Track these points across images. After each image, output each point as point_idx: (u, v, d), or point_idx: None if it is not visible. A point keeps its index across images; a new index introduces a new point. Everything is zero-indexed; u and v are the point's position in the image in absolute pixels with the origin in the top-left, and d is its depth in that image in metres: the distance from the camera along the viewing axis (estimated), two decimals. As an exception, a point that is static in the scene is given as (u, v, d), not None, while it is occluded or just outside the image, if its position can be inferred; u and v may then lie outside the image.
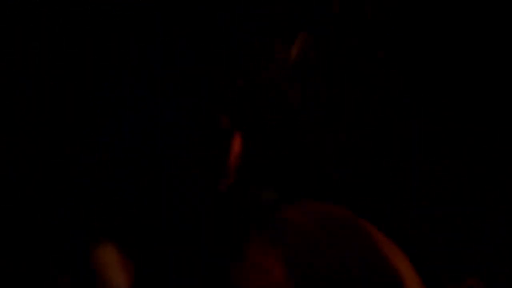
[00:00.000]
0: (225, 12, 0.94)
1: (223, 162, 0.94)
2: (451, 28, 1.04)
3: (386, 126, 1.05)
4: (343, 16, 1.02)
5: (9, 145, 0.94)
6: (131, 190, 0.92)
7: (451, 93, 1.05)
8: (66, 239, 0.92)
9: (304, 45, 0.97)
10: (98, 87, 0.95)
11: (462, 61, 1.04)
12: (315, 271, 0.81)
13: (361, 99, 1.06)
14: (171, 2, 0.93)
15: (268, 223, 0.87)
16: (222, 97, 0.96)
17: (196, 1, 0.93)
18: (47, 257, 0.92)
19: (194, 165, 0.95)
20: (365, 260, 0.82)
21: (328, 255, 0.81)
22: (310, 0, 0.98)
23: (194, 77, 0.94)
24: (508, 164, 1.01)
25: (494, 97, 1.03)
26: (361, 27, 1.04)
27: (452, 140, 1.04)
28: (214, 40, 0.94)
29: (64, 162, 0.94)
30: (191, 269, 0.87)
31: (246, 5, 0.94)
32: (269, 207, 0.95)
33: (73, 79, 0.96)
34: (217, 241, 0.88)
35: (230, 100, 0.96)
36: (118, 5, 0.95)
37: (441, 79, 1.05)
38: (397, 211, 0.99)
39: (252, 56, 0.95)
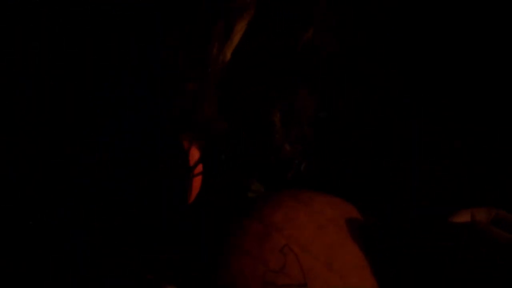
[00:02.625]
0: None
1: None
2: (451, 28, 1.04)
3: (386, 126, 1.05)
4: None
5: (9, 145, 0.94)
6: (131, 190, 0.91)
7: (451, 93, 1.05)
8: (66, 239, 0.92)
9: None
10: (98, 87, 0.95)
11: (462, 61, 1.04)
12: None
13: (361, 99, 1.06)
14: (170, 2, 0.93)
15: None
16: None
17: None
18: (47, 257, 0.92)
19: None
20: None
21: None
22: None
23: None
24: (508, 164, 1.01)
25: (494, 97, 1.03)
26: (361, 27, 1.03)
27: (452, 140, 1.04)
28: None
29: (64, 162, 0.94)
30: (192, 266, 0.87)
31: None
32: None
33: (73, 79, 0.95)
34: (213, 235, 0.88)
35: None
36: (118, 5, 0.95)
37: (441, 79, 1.05)
38: (397, 211, 0.99)
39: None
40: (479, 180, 1.01)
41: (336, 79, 1.03)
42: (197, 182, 0.96)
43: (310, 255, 0.80)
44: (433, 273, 0.80)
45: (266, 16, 0.94)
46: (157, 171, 0.92)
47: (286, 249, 0.80)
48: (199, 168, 0.96)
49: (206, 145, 0.96)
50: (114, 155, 0.93)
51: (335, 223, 0.84)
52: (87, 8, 0.96)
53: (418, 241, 0.83)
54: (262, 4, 0.93)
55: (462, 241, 0.79)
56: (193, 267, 0.85)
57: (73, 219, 0.92)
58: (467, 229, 0.79)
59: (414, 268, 0.82)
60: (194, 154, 0.95)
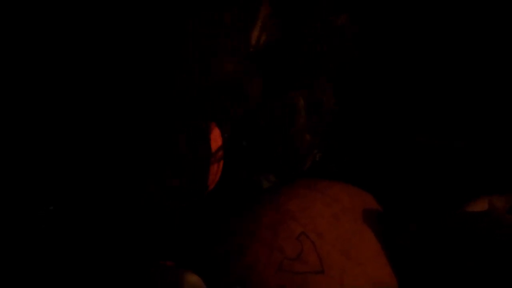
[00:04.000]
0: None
1: (203, 160, 0.95)
2: (451, 28, 1.05)
3: (399, 120, 1.05)
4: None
5: (9, 145, 0.94)
6: (151, 176, 0.91)
7: (450, 93, 1.06)
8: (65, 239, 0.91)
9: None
10: (96, 87, 0.95)
11: (462, 61, 1.05)
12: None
13: (360, 98, 1.07)
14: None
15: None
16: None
17: None
18: (44, 257, 0.91)
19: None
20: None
21: None
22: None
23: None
24: (508, 164, 1.02)
25: (494, 97, 1.04)
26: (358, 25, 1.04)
27: (452, 140, 1.05)
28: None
29: (62, 162, 0.93)
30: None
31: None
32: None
33: (73, 79, 0.95)
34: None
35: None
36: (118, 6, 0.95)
37: (441, 79, 1.06)
38: (413, 200, 0.99)
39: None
40: (478, 179, 1.02)
41: (356, 74, 1.04)
42: (217, 170, 0.96)
43: (327, 242, 0.80)
44: (450, 263, 0.80)
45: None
46: (179, 157, 0.92)
47: (302, 237, 0.80)
48: (221, 155, 0.96)
49: (230, 132, 0.96)
50: (110, 154, 0.93)
51: (351, 211, 0.84)
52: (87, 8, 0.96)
53: (435, 231, 0.83)
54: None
55: (478, 230, 0.79)
56: (209, 255, 0.85)
57: (91, 204, 0.91)
58: (484, 218, 0.79)
59: (430, 257, 0.82)
60: (217, 141, 0.95)
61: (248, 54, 0.94)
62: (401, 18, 1.06)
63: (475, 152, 1.03)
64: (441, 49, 1.06)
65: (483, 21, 1.03)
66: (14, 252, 0.90)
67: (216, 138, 0.95)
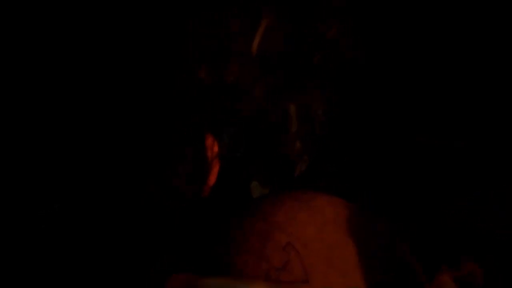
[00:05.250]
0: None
1: (201, 165, 0.95)
2: (451, 28, 1.05)
3: (390, 128, 1.06)
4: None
5: (9, 145, 0.95)
6: (148, 180, 0.92)
7: (450, 93, 1.05)
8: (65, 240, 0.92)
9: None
10: (97, 87, 0.96)
11: (462, 60, 1.05)
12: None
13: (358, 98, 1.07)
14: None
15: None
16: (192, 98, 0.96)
17: None
18: (45, 257, 0.92)
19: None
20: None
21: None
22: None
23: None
24: (508, 164, 1.02)
25: (494, 97, 1.04)
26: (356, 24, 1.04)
27: (452, 140, 1.05)
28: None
29: (63, 162, 0.94)
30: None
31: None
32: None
33: (74, 79, 0.96)
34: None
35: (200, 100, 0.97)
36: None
37: (440, 79, 1.06)
38: (395, 208, 1.00)
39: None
40: (478, 178, 1.02)
41: (356, 73, 1.04)
42: (212, 178, 0.97)
43: (311, 252, 0.82)
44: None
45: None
46: (179, 157, 0.93)
47: (288, 247, 0.82)
48: (217, 163, 0.97)
49: (231, 135, 0.97)
50: (108, 156, 0.93)
51: (335, 222, 0.85)
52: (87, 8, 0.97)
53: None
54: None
55: None
56: (200, 262, 0.86)
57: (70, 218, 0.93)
58: None
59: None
60: (214, 150, 0.97)
61: (251, 56, 0.94)
62: (401, 17, 1.05)
63: (475, 152, 1.03)
64: (441, 49, 1.05)
65: (483, 21, 1.02)
66: (14, 252, 0.92)
67: (212, 147, 0.96)
